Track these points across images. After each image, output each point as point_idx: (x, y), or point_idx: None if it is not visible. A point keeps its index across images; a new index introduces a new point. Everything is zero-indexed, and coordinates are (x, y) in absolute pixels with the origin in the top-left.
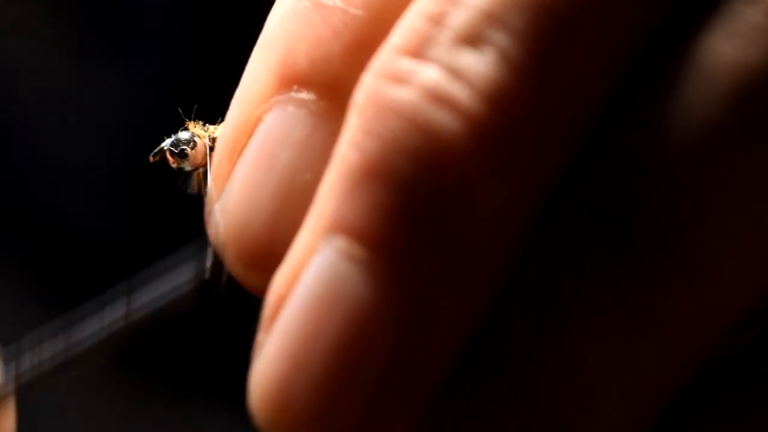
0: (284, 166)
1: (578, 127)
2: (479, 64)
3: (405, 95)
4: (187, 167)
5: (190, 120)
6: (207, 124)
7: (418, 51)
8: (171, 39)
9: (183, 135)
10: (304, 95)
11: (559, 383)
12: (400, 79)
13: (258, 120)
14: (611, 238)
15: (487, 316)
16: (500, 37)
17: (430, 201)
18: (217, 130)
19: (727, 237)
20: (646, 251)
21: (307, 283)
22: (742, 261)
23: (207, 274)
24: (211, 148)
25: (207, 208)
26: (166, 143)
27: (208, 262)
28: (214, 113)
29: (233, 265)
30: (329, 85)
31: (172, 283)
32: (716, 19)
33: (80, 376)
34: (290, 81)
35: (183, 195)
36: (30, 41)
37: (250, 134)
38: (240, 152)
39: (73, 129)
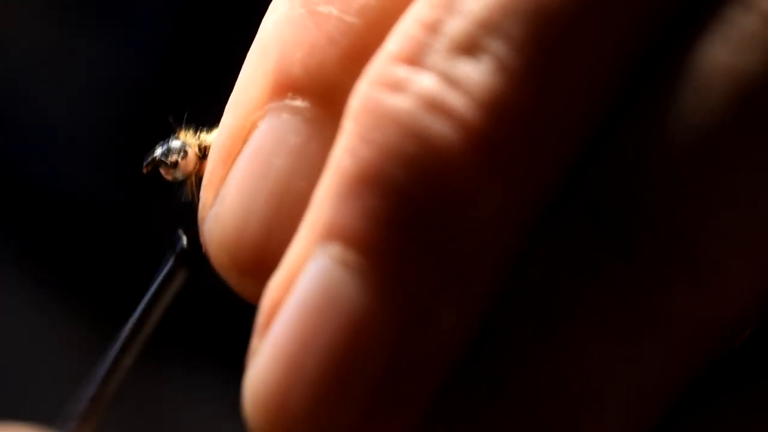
0: (279, 174)
1: (576, 133)
2: (475, 72)
3: (401, 103)
4: (179, 176)
5: (180, 127)
6: (198, 132)
7: (414, 58)
8: (164, 5)
9: (174, 144)
10: (299, 103)
11: (559, 387)
12: (396, 86)
13: (252, 126)
14: (612, 240)
15: (485, 321)
16: (496, 45)
17: (425, 208)
18: (209, 138)
19: (726, 239)
20: (647, 253)
21: (301, 290)
22: (743, 262)
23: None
24: (203, 156)
25: (200, 214)
26: (158, 153)
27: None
28: (207, 83)
29: (227, 271)
30: (324, 93)
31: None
32: (713, 26)
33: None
34: (285, 88)
35: (178, 202)
36: (20, 10)
37: (244, 140)
38: (234, 158)
39: (65, 97)
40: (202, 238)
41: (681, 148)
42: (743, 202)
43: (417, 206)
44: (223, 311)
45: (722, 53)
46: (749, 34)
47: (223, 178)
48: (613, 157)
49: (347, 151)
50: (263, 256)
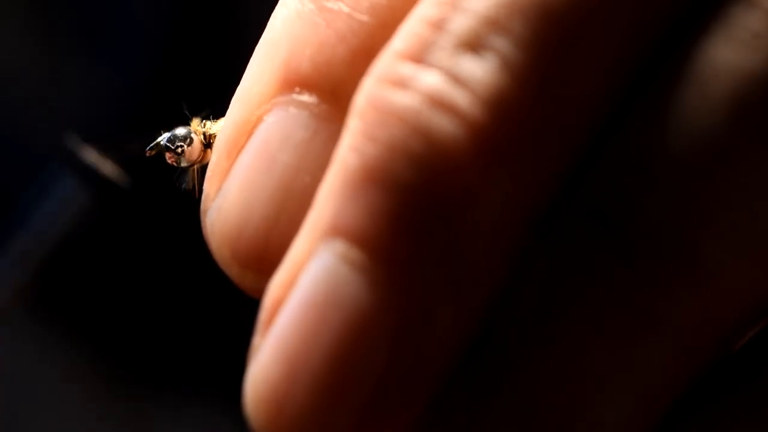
0: (284, 168)
1: (579, 133)
2: (480, 70)
3: (406, 100)
4: (183, 163)
5: (190, 115)
6: (205, 120)
7: (419, 56)
8: (150, 28)
9: (180, 131)
10: (307, 97)
11: (559, 389)
12: (401, 83)
13: (258, 120)
14: (613, 242)
15: (486, 323)
16: (501, 43)
17: (430, 206)
18: (214, 127)
19: (728, 243)
20: (647, 257)
21: (304, 287)
22: (743, 265)
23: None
24: (208, 145)
25: (203, 206)
26: (163, 138)
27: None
28: (195, 103)
29: (228, 264)
30: (332, 90)
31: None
32: (717, 25)
33: (62, 376)
34: (293, 83)
35: (177, 190)
36: (8, 36)
37: (249, 133)
38: (239, 151)
39: (55, 123)
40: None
41: (683, 150)
42: (744, 205)
43: (421, 203)
44: (216, 341)
45: (726, 53)
46: (753, 33)
47: (227, 171)
48: (615, 158)
49: (352, 148)
50: (265, 250)
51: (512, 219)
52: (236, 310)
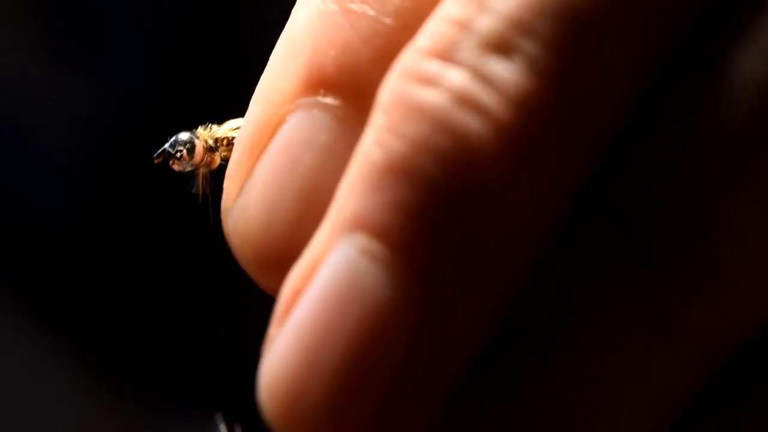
0: (307, 170)
1: (605, 135)
2: (507, 70)
3: (432, 97)
4: (186, 168)
5: (191, 117)
6: (210, 124)
7: (446, 53)
8: (150, 39)
9: (182, 136)
10: (331, 100)
11: (577, 392)
12: (427, 80)
13: (281, 120)
14: (634, 246)
15: (505, 321)
16: (527, 44)
17: (454, 203)
18: (220, 131)
19: (750, 251)
20: (668, 261)
21: (323, 278)
22: (765, 273)
23: None
24: (213, 149)
25: (223, 205)
26: (167, 145)
27: None
28: (195, 114)
29: (249, 265)
30: (356, 93)
31: None
32: (741, 32)
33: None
34: (317, 85)
35: (187, 194)
36: (5, 42)
37: (272, 133)
38: (261, 150)
39: (47, 132)
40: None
41: (707, 156)
42: (766, 213)
43: (445, 200)
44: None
45: (750, 60)
46: None
47: (249, 170)
48: (639, 162)
49: (377, 142)
50: (288, 251)
51: (535, 218)
52: (240, 312)
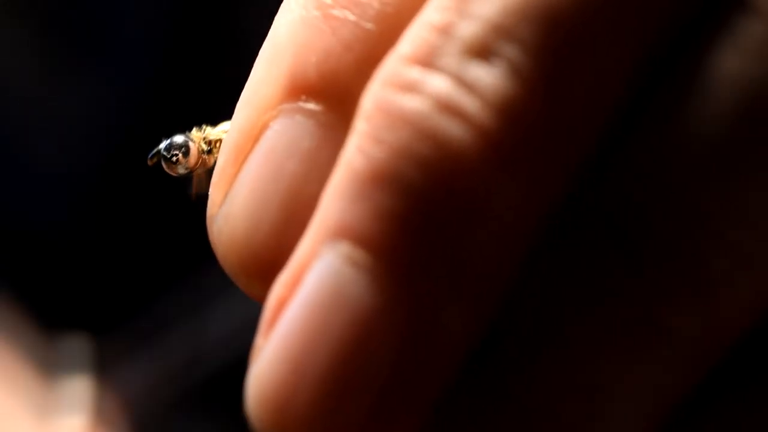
0: (291, 177)
1: (587, 138)
2: (489, 76)
3: (414, 104)
4: (181, 171)
5: (190, 119)
6: (204, 126)
7: (427, 60)
8: (147, 44)
9: (177, 139)
10: (313, 106)
11: (566, 395)
12: (409, 87)
13: (264, 126)
14: (621, 251)
15: (492, 325)
16: (509, 49)
17: (437, 209)
18: (214, 132)
19: (736, 255)
20: (655, 266)
21: (308, 287)
22: (752, 277)
23: None
24: (208, 151)
25: (209, 212)
26: (162, 146)
27: None
28: (193, 118)
29: (235, 272)
30: (338, 98)
31: None
32: (723, 33)
33: None
34: (299, 91)
35: (182, 197)
36: (4, 46)
37: (255, 140)
38: (245, 157)
39: (46, 134)
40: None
41: (691, 160)
42: (755, 217)
43: (428, 207)
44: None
45: (733, 61)
46: (760, 41)
47: (233, 177)
48: (624, 164)
49: (359, 150)
50: (272, 259)
51: (519, 223)
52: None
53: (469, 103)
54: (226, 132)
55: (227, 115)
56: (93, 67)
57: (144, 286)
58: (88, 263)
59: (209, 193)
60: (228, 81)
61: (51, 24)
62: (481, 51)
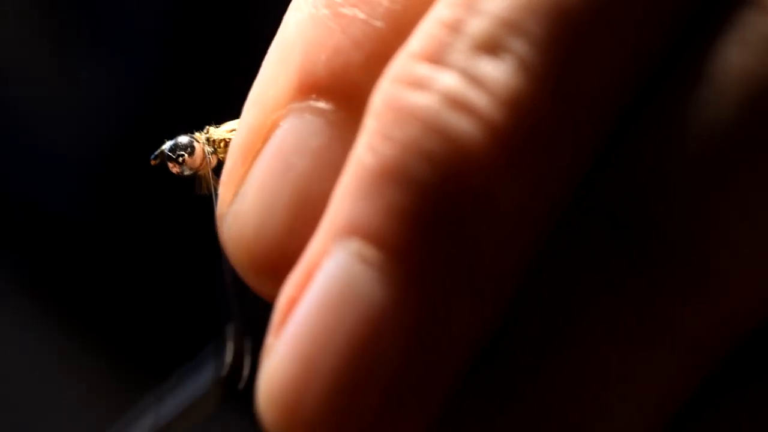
0: (301, 175)
1: (595, 133)
2: (498, 71)
3: (424, 100)
4: (186, 171)
5: (196, 117)
6: (208, 126)
7: (436, 57)
8: (155, 29)
9: (181, 139)
10: (323, 104)
11: (572, 394)
12: (418, 84)
13: (274, 125)
14: (625, 247)
15: (500, 324)
16: (518, 45)
17: (446, 205)
18: (218, 132)
19: (739, 251)
20: (658, 263)
21: (319, 285)
22: (755, 272)
23: (226, 371)
24: (212, 151)
25: (218, 211)
26: (166, 146)
27: (228, 359)
28: (198, 105)
29: (245, 270)
30: (348, 96)
31: (194, 384)
32: (729, 28)
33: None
34: (309, 89)
35: (190, 195)
36: (11, 32)
37: (265, 139)
38: (254, 156)
39: (55, 119)
40: (221, 241)
41: (695, 154)
42: (757, 214)
43: (439, 203)
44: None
45: (738, 57)
46: (765, 37)
47: (243, 176)
48: (628, 160)
49: (369, 147)
50: (282, 257)
51: (528, 219)
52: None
53: (479, 99)
54: (230, 132)
55: (235, 106)
56: (102, 55)
57: (151, 275)
58: (95, 249)
59: (219, 191)
60: (236, 71)
61: (60, 12)
62: (491, 47)
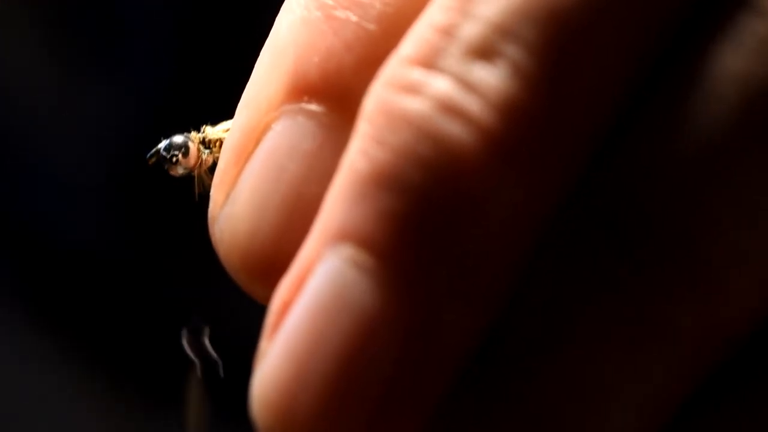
0: (292, 178)
1: (589, 138)
2: (491, 76)
3: (416, 105)
4: (181, 171)
5: (193, 127)
6: (204, 126)
7: (429, 61)
8: (162, 48)
9: (176, 139)
10: (315, 107)
11: (568, 394)
12: (411, 89)
13: (266, 127)
14: (621, 249)
15: (493, 327)
16: (511, 50)
17: (440, 211)
18: (213, 132)
19: (734, 252)
20: (654, 263)
21: (312, 290)
22: (750, 273)
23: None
24: (207, 151)
25: (211, 213)
26: (161, 145)
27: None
28: (209, 108)
29: (237, 273)
30: (340, 99)
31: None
32: (725, 31)
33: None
34: (301, 91)
35: (185, 206)
36: (21, 54)
37: (257, 141)
38: (246, 158)
39: (67, 143)
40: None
41: (690, 157)
42: (751, 215)
43: (431, 208)
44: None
45: (734, 59)
46: (761, 39)
47: (235, 178)
48: (623, 162)
49: (361, 152)
50: (274, 259)
51: (521, 224)
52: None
53: (471, 104)
54: (225, 131)
55: (232, 115)
56: (108, 72)
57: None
58: (112, 272)
59: (211, 193)
60: (245, 89)
61: (66, 32)
62: (484, 52)
